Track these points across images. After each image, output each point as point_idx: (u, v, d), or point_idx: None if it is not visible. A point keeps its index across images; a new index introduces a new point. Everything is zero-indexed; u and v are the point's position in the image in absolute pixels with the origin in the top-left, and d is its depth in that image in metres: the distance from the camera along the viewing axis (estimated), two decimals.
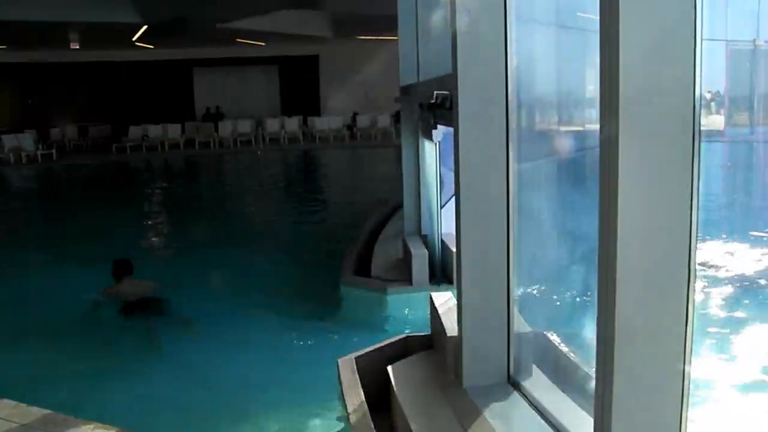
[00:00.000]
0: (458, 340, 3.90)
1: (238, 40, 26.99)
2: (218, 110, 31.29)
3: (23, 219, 15.70)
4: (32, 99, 31.56)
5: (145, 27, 22.15)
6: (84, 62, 29.26)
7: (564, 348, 3.70)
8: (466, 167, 3.82)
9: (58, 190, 21.45)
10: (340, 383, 4.38)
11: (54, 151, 25.48)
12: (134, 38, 24.63)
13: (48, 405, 4.31)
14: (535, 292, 4.27)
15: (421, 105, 6.20)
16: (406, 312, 6.26)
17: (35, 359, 6.25)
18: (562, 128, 4.96)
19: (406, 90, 7.68)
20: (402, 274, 6.99)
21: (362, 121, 28.42)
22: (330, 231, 11.61)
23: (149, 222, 14.22)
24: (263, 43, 28.40)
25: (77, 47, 24.80)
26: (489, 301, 3.84)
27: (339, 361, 4.59)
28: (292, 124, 28.48)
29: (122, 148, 26.32)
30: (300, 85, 33.10)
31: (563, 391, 3.45)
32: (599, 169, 2.17)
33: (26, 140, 25.02)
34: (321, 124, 28.24)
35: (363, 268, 7.69)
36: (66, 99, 32.64)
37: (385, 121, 27.55)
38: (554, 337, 3.85)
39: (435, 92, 4.11)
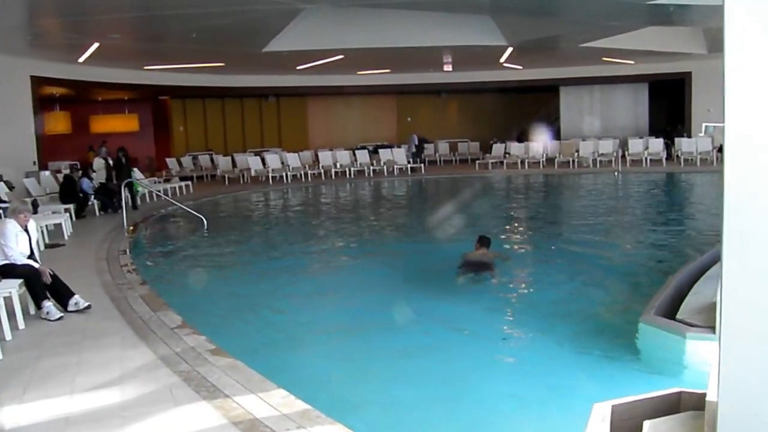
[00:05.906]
0: (715, 405, 3.42)
1: (605, 59, 26.58)
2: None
3: (398, 216, 18.33)
4: (410, 117, 34.68)
5: (510, 49, 22.96)
6: (454, 83, 31.02)
7: None
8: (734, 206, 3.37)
9: (424, 196, 23.69)
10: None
11: (423, 164, 27.88)
12: (501, 60, 25.64)
13: None
14: None
15: None
16: (703, 362, 5.57)
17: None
18: None
19: None
20: (712, 320, 6.31)
21: None
22: (658, 260, 10.88)
23: (491, 225, 14.91)
24: (632, 61, 27.58)
25: (450, 69, 26.57)
26: (755, 361, 3.32)
27: (594, 405, 4.29)
28: (656, 145, 27.16)
29: (485, 164, 27.67)
30: (669, 104, 31.47)
31: None
32: None
33: (399, 154, 27.61)
34: (688, 145, 26.51)
35: (675, 307, 7.08)
36: (439, 118, 35.24)
37: None
38: None
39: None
